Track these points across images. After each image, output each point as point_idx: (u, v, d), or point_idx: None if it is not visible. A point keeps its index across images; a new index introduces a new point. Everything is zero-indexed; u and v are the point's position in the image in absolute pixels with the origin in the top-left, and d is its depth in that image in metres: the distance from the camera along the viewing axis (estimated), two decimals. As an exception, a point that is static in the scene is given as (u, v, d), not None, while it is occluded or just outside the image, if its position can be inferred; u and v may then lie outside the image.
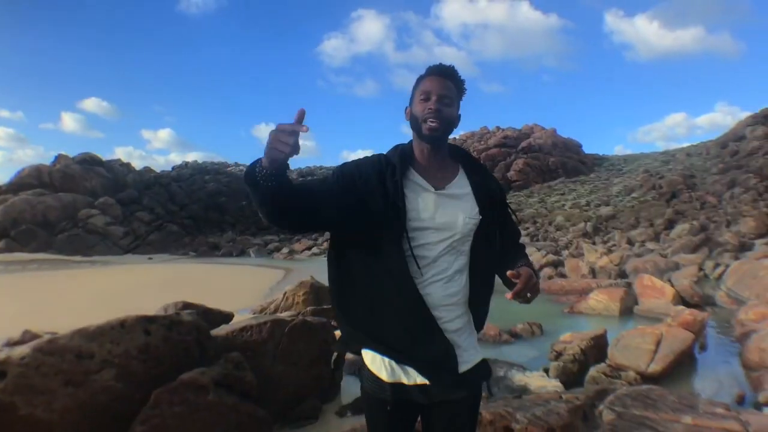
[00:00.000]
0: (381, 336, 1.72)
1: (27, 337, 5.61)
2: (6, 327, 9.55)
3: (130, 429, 4.12)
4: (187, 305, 6.59)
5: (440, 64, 1.81)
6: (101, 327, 4.21)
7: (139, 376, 4.33)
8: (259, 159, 1.46)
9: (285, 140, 1.35)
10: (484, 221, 1.79)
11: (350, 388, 7.00)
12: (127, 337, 4.32)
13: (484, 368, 1.81)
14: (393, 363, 1.71)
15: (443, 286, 1.72)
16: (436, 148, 1.79)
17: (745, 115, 50.79)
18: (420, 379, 1.69)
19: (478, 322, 1.88)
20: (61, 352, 3.92)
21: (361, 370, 1.84)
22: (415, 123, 1.76)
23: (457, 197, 1.77)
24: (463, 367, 1.72)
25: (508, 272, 1.67)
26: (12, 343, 5.36)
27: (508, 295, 1.68)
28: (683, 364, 7.41)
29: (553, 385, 6.82)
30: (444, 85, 1.74)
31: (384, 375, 1.72)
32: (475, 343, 1.83)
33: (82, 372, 3.96)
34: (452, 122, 1.77)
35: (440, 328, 1.69)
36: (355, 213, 1.68)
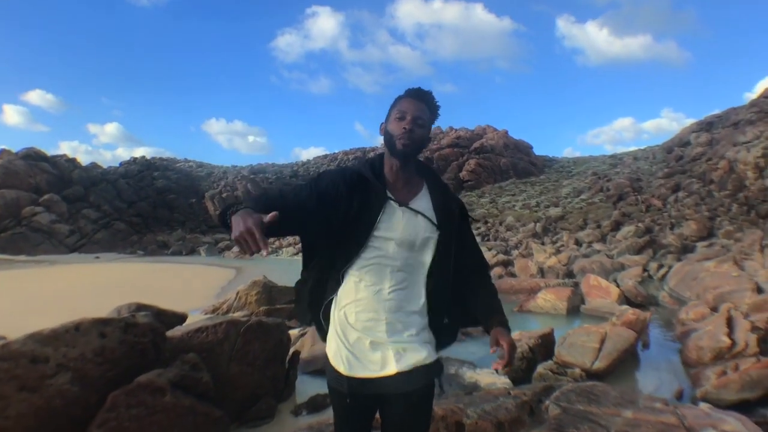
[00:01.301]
0: (343, 333, 1.87)
1: (-24, 341, 5.43)
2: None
3: (86, 432, 4.11)
4: (140, 307, 6.53)
5: (419, 88, 1.96)
6: (56, 331, 4.17)
7: (95, 379, 4.31)
8: (229, 213, 1.61)
9: (249, 246, 1.46)
10: (442, 236, 1.93)
11: (305, 388, 7.05)
12: (82, 340, 4.28)
13: (436, 366, 1.93)
14: (351, 357, 1.84)
15: (403, 294, 1.86)
16: (406, 165, 1.94)
17: (689, 121, 52.82)
18: (372, 374, 1.82)
19: (440, 328, 1.99)
20: (15, 357, 3.87)
21: (324, 363, 1.97)
22: (389, 139, 1.89)
23: (419, 212, 1.91)
24: (413, 365, 1.82)
25: (491, 349, 1.89)
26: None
27: (496, 365, 1.88)
28: (626, 362, 7.70)
29: (503, 381, 7.02)
30: (419, 108, 1.90)
31: (342, 369, 1.85)
32: (431, 346, 1.93)
33: (36, 377, 3.92)
34: (423, 143, 1.93)
35: (385, 339, 1.83)
36: (325, 224, 1.84)
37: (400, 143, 1.85)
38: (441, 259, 1.93)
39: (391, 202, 1.88)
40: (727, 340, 6.87)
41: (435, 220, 1.91)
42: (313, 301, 1.97)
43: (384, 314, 1.83)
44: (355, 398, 1.87)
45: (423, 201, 1.95)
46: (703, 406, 4.37)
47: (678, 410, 3.89)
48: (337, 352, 1.87)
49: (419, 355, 1.85)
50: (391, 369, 1.80)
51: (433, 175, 2.07)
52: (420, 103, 1.90)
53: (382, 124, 1.98)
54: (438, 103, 1.97)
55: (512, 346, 1.87)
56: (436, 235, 1.91)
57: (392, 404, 1.88)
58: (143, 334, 4.91)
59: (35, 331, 4.14)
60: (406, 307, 1.87)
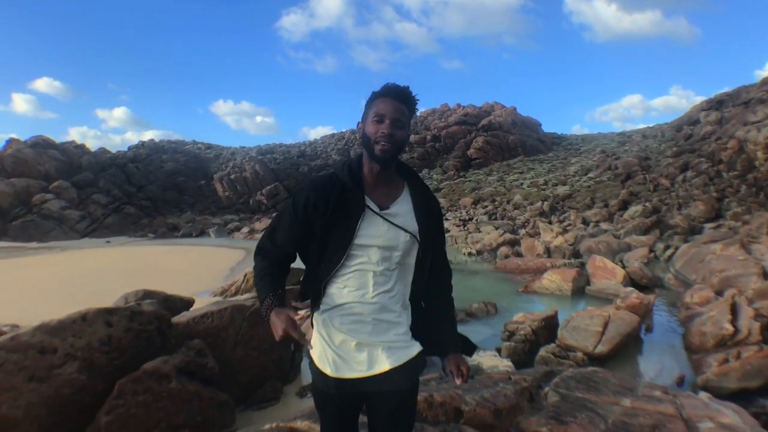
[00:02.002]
0: (328, 335, 1.89)
1: (-14, 331, 5.54)
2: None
3: (95, 419, 4.21)
4: (147, 294, 6.63)
5: (395, 85, 1.90)
6: (63, 321, 4.26)
7: (103, 367, 4.42)
8: (263, 313, 1.86)
9: (287, 336, 1.74)
10: (423, 238, 1.93)
11: (310, 369, 7.16)
12: (89, 330, 4.38)
13: (421, 362, 1.96)
14: (337, 359, 1.86)
15: (387, 297, 1.87)
16: (386, 168, 1.91)
17: (699, 99, 52.24)
18: (359, 374, 1.84)
19: (421, 328, 2.01)
20: (24, 349, 3.97)
21: (309, 365, 1.98)
22: (367, 142, 1.85)
23: (399, 215, 1.90)
24: (397, 363, 1.85)
25: (456, 380, 1.97)
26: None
27: (459, 383, 1.97)
28: (629, 345, 7.72)
29: (505, 365, 7.06)
30: (398, 109, 1.84)
31: (329, 371, 1.87)
32: (413, 342, 1.94)
33: (45, 367, 4.02)
34: (403, 144, 1.88)
35: (370, 341, 1.86)
36: (308, 238, 1.90)
37: (379, 148, 1.81)
38: (422, 261, 1.96)
39: (371, 207, 1.87)
40: (730, 328, 6.87)
41: (416, 223, 1.92)
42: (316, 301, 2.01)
43: (369, 317, 1.85)
44: (343, 398, 1.90)
45: (404, 203, 1.93)
46: (703, 395, 4.39)
47: (677, 399, 3.90)
48: (322, 354, 1.89)
49: (405, 352, 1.88)
50: (378, 368, 1.84)
51: (413, 176, 2.05)
52: (398, 103, 1.85)
53: (359, 123, 1.95)
54: (417, 98, 1.92)
55: (469, 369, 2.00)
56: (417, 237, 1.92)
57: (379, 401, 1.91)
58: (149, 321, 5.01)
59: (43, 323, 4.23)
60: (391, 308, 1.88)
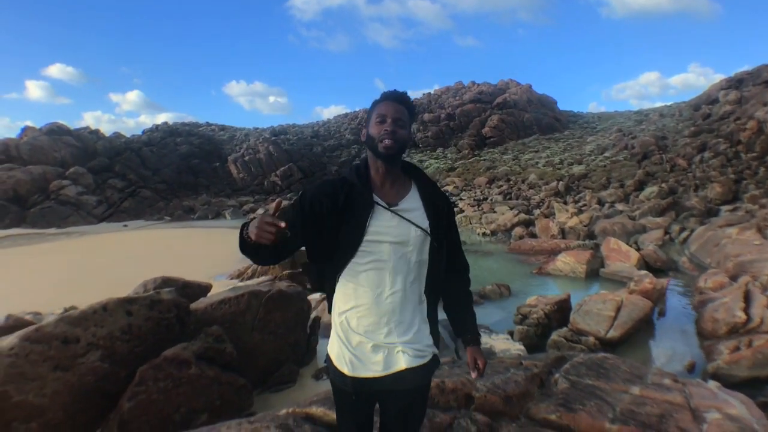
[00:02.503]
0: (345, 337, 1.96)
1: (10, 322, 5.71)
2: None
3: (118, 406, 4.38)
4: (166, 281, 6.76)
5: (395, 90, 2.01)
6: (84, 312, 4.40)
7: (124, 355, 4.56)
8: (247, 225, 1.76)
9: (268, 231, 1.61)
10: (434, 233, 1.98)
11: (326, 352, 7.27)
12: (110, 319, 4.52)
13: (434, 362, 2.02)
14: (354, 360, 1.93)
15: (401, 296, 1.93)
16: (391, 166, 1.97)
17: (717, 77, 51.42)
18: (375, 374, 1.91)
19: (434, 327, 2.06)
20: (48, 339, 4.12)
21: (327, 363, 2.06)
22: (371, 143, 1.93)
23: (409, 211, 1.96)
24: (413, 363, 1.92)
25: (473, 374, 2.04)
26: (-4, 330, 5.51)
27: (475, 377, 2.05)
28: (641, 330, 7.75)
29: (517, 348, 7.17)
30: (398, 110, 1.93)
31: (346, 370, 1.94)
32: (431, 343, 2.01)
33: (69, 356, 4.17)
34: (405, 143, 1.96)
35: (387, 341, 1.92)
36: (318, 236, 1.93)
37: (383, 146, 1.88)
38: (435, 257, 2.00)
39: (380, 205, 1.92)
40: (742, 316, 6.86)
41: (426, 219, 1.97)
42: (329, 299, 2.07)
43: (384, 317, 1.91)
44: (359, 396, 1.97)
45: (413, 200, 1.99)
46: (712, 384, 4.39)
47: (686, 388, 3.94)
48: (340, 354, 1.96)
49: (421, 354, 1.94)
50: (395, 368, 1.90)
51: (420, 174, 2.11)
52: (398, 105, 1.94)
53: (363, 129, 2.02)
54: (414, 104, 2.04)
55: (485, 364, 2.06)
56: (429, 233, 1.95)
57: (393, 398, 1.99)
58: (168, 309, 5.14)
59: (65, 313, 4.36)
60: (406, 307, 1.94)
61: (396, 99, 1.96)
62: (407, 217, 1.93)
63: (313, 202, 1.92)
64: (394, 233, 1.91)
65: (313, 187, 1.99)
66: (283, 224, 1.61)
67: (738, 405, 3.58)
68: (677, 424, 3.14)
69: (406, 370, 1.90)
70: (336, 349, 1.98)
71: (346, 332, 1.95)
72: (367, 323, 1.92)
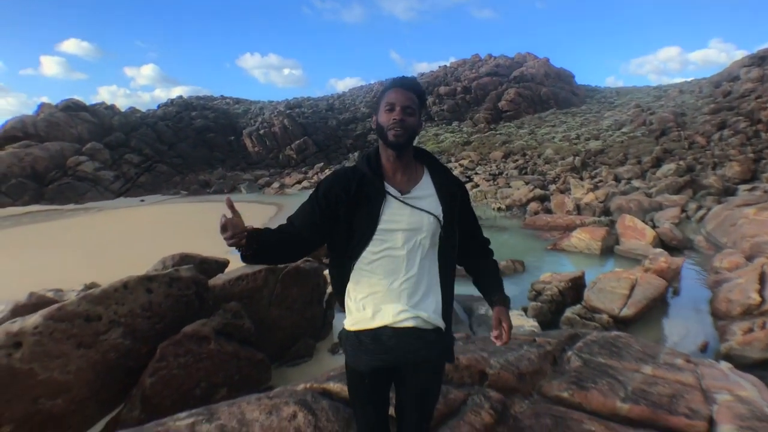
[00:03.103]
0: (362, 316, 1.98)
1: (33, 299, 5.84)
2: (9, 287, 9.79)
3: (140, 381, 4.51)
4: (184, 257, 6.84)
5: (403, 77, 2.02)
6: (105, 290, 4.50)
7: (145, 332, 4.68)
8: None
9: (226, 237, 1.72)
10: (447, 219, 2.00)
11: (341, 326, 7.38)
12: (130, 297, 4.63)
13: (449, 336, 2.06)
14: (368, 341, 1.95)
15: (415, 281, 1.95)
16: (401, 154, 1.98)
17: (739, 53, 50.40)
18: (388, 322, 1.93)
19: (447, 309, 2.08)
20: (71, 318, 4.22)
21: (343, 344, 2.09)
22: (381, 132, 1.94)
23: (421, 199, 1.97)
24: (419, 324, 1.95)
25: (493, 334, 2.02)
26: (19, 307, 5.64)
27: (496, 340, 2.01)
28: (655, 309, 7.76)
29: (531, 325, 7.19)
30: (407, 97, 1.93)
31: (362, 326, 1.96)
32: (439, 320, 2.01)
33: (91, 334, 4.28)
34: (415, 130, 1.96)
35: (401, 316, 1.94)
36: (335, 228, 1.96)
37: (392, 134, 1.89)
38: (448, 242, 2.02)
39: (391, 193, 1.94)
40: (757, 297, 6.84)
41: (439, 205, 1.99)
42: (339, 289, 2.09)
43: (399, 302, 1.93)
44: (373, 375, 2.01)
45: (425, 187, 2.00)
46: (724, 365, 4.40)
47: (698, 368, 3.96)
48: (355, 342, 1.98)
49: (432, 340, 1.97)
50: (410, 323, 1.93)
51: (433, 160, 2.12)
52: (407, 92, 1.93)
53: (373, 116, 2.03)
54: (423, 89, 2.03)
55: (510, 327, 2.03)
56: (442, 220, 1.97)
57: (408, 375, 2.03)
58: (187, 286, 5.25)
59: (87, 292, 4.47)
60: (421, 292, 1.96)
61: (405, 86, 1.96)
62: (419, 205, 1.95)
63: (327, 193, 1.94)
64: (407, 221, 1.93)
65: (327, 179, 2.01)
66: (227, 216, 1.72)
67: (749, 387, 3.60)
68: (687, 404, 3.17)
69: (414, 328, 1.93)
70: (352, 335, 2.00)
71: (362, 316, 1.98)
72: (382, 308, 1.95)
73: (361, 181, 1.95)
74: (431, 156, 2.14)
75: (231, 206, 1.76)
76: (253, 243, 1.79)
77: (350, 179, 1.96)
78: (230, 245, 1.74)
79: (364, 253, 1.94)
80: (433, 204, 1.98)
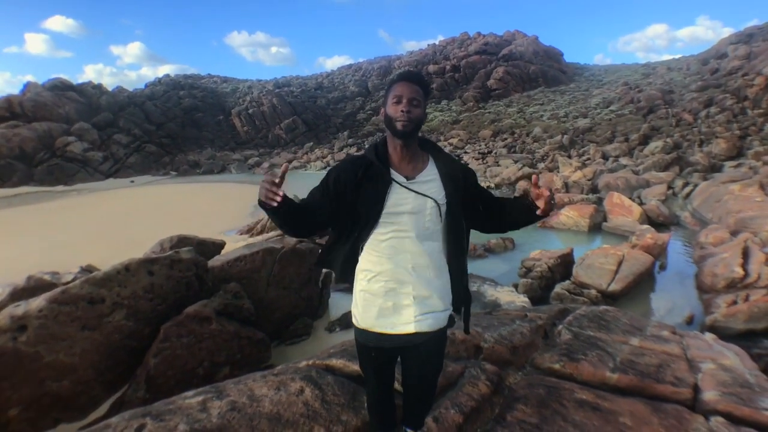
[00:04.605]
0: (370, 299, 2.09)
1: (31, 282, 5.87)
2: (4, 269, 9.85)
3: (144, 362, 4.62)
4: (182, 239, 6.93)
5: (409, 70, 2.16)
6: (108, 273, 4.58)
7: (148, 313, 4.80)
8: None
9: (272, 195, 1.84)
10: (452, 203, 2.12)
11: (337, 305, 7.59)
12: (132, 279, 4.73)
13: (450, 321, 2.17)
14: (377, 317, 2.07)
15: (422, 262, 2.07)
16: (408, 143, 2.10)
17: (726, 30, 50.59)
18: (397, 331, 2.05)
19: (459, 289, 2.22)
20: (75, 301, 4.31)
21: (352, 322, 2.20)
22: (389, 122, 2.05)
23: (425, 184, 2.09)
24: (425, 328, 2.05)
25: (533, 191, 2.04)
26: (18, 290, 5.69)
27: (540, 210, 2.02)
28: (642, 284, 7.95)
29: (521, 300, 7.39)
30: (413, 89, 2.05)
31: (368, 326, 2.09)
32: (445, 305, 2.14)
33: (95, 316, 4.39)
34: (421, 121, 2.09)
35: (408, 302, 2.06)
36: (344, 212, 2.08)
37: (400, 125, 2.01)
38: (453, 225, 2.15)
39: (397, 180, 2.05)
40: (740, 271, 7.04)
41: (442, 190, 2.09)
42: (345, 269, 2.20)
43: (407, 282, 2.05)
44: (380, 351, 2.13)
45: (429, 174, 2.11)
46: (708, 336, 4.57)
47: (684, 340, 4.12)
48: (364, 311, 2.11)
49: (439, 316, 2.09)
50: (413, 329, 2.04)
51: (438, 149, 2.25)
52: (413, 85, 2.04)
53: (381, 109, 2.14)
54: (428, 82, 2.17)
55: (552, 194, 2.06)
56: (446, 203, 2.09)
57: (412, 353, 2.15)
58: (187, 268, 5.35)
59: (90, 275, 4.55)
60: (427, 272, 2.07)
61: (411, 79, 2.08)
62: (422, 190, 2.06)
63: (337, 179, 2.07)
64: (412, 204, 2.04)
65: (336, 167, 2.14)
66: (281, 192, 1.85)
67: (732, 356, 3.77)
68: (674, 373, 3.32)
69: (420, 334, 2.05)
70: (360, 308, 2.13)
71: (370, 293, 2.09)
72: (390, 287, 2.06)
73: (368, 169, 2.07)
74: (436, 145, 2.26)
75: (284, 173, 1.89)
76: (284, 203, 1.90)
77: (358, 166, 2.08)
78: (266, 199, 1.85)
79: (373, 235, 2.06)
80: (435, 189, 2.09)
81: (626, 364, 3.49)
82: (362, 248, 2.11)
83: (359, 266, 2.14)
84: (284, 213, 1.92)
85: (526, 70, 61.86)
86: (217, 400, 2.62)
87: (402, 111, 2.01)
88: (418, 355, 2.15)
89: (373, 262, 2.09)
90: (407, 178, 2.07)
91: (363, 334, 2.14)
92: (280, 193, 1.84)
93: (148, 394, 4.45)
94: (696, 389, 3.12)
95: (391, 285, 2.06)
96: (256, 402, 2.61)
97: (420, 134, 2.17)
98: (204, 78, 77.20)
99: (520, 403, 2.93)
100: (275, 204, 1.84)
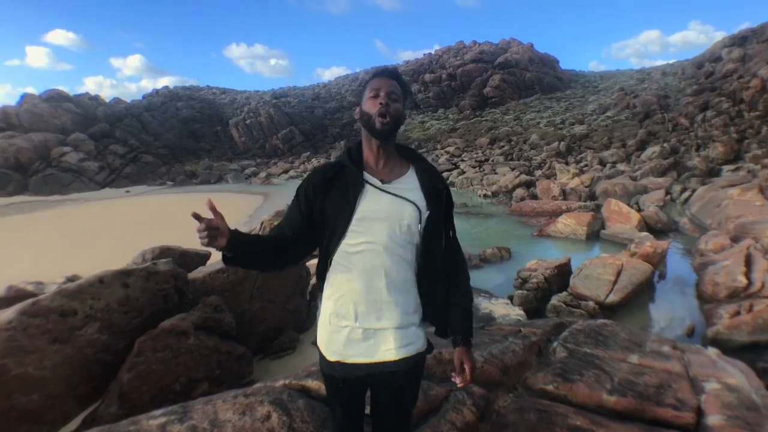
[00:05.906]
0: (337, 322, 1.86)
1: (11, 292, 5.73)
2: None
3: (118, 377, 4.39)
4: (164, 250, 6.71)
5: (385, 67, 1.98)
6: (81, 285, 4.39)
7: (122, 326, 4.58)
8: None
9: (202, 237, 1.61)
10: (431, 214, 1.88)
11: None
12: (106, 291, 4.51)
13: (427, 349, 1.94)
14: (344, 345, 1.84)
15: (394, 280, 1.83)
16: (386, 144, 1.90)
17: (719, 34, 50.79)
18: (366, 359, 1.83)
19: (435, 307, 1.97)
20: (45, 313, 4.11)
21: (318, 352, 1.96)
22: (366, 120, 1.85)
23: (403, 189, 1.87)
24: (399, 355, 1.83)
25: (453, 375, 1.93)
26: (-5, 303, 5.51)
27: (456, 381, 1.92)
28: (642, 294, 7.73)
29: (516, 313, 7.16)
30: (391, 84, 1.88)
31: (335, 357, 1.86)
32: (422, 331, 1.92)
33: (67, 329, 4.18)
34: (400, 117, 1.89)
35: (382, 326, 1.83)
36: (319, 221, 1.87)
37: (379, 120, 1.82)
38: (431, 239, 1.91)
39: (370, 184, 1.85)
40: (743, 280, 6.84)
41: (423, 199, 1.88)
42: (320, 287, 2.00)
43: (377, 303, 1.82)
44: (348, 382, 1.90)
45: (409, 181, 1.91)
46: (711, 351, 4.36)
47: (685, 356, 3.92)
48: (329, 341, 1.89)
49: (411, 343, 1.86)
50: (384, 357, 1.83)
51: (419, 159, 2.03)
52: (390, 80, 1.89)
53: (357, 108, 1.96)
54: (405, 80, 1.99)
55: (473, 369, 1.93)
56: (425, 214, 1.87)
57: (383, 385, 1.92)
58: (165, 280, 5.14)
59: (63, 286, 4.37)
60: (400, 292, 1.85)
61: (387, 74, 1.91)
62: (401, 194, 1.84)
63: (306, 188, 1.88)
64: (387, 210, 1.81)
65: (306, 176, 1.94)
66: (223, 226, 1.63)
67: (737, 374, 3.57)
68: (675, 394, 3.12)
69: (393, 362, 1.83)
70: (325, 337, 1.90)
71: (337, 318, 1.86)
72: (359, 308, 1.82)
73: (340, 171, 1.87)
74: (418, 154, 2.04)
75: (212, 208, 1.65)
76: (235, 246, 1.68)
77: (329, 169, 1.89)
78: (205, 245, 1.62)
79: (342, 246, 1.81)
80: (417, 195, 1.87)
81: (625, 384, 3.29)
82: (330, 262, 1.85)
83: (326, 283, 1.90)
84: (245, 253, 1.74)
85: (522, 78, 62.17)
86: (178, 424, 2.45)
87: (381, 104, 1.81)
88: (392, 384, 1.90)
89: (339, 280, 1.84)
90: (382, 182, 1.85)
91: (328, 365, 1.90)
92: (223, 226, 1.62)
93: (122, 410, 4.22)
94: (699, 413, 2.91)
95: (361, 306, 1.82)
96: (217, 428, 2.43)
97: (414, 143, 1.96)
98: (203, 89, 77.60)
99: (508, 431, 2.72)
100: (224, 243, 1.62)
